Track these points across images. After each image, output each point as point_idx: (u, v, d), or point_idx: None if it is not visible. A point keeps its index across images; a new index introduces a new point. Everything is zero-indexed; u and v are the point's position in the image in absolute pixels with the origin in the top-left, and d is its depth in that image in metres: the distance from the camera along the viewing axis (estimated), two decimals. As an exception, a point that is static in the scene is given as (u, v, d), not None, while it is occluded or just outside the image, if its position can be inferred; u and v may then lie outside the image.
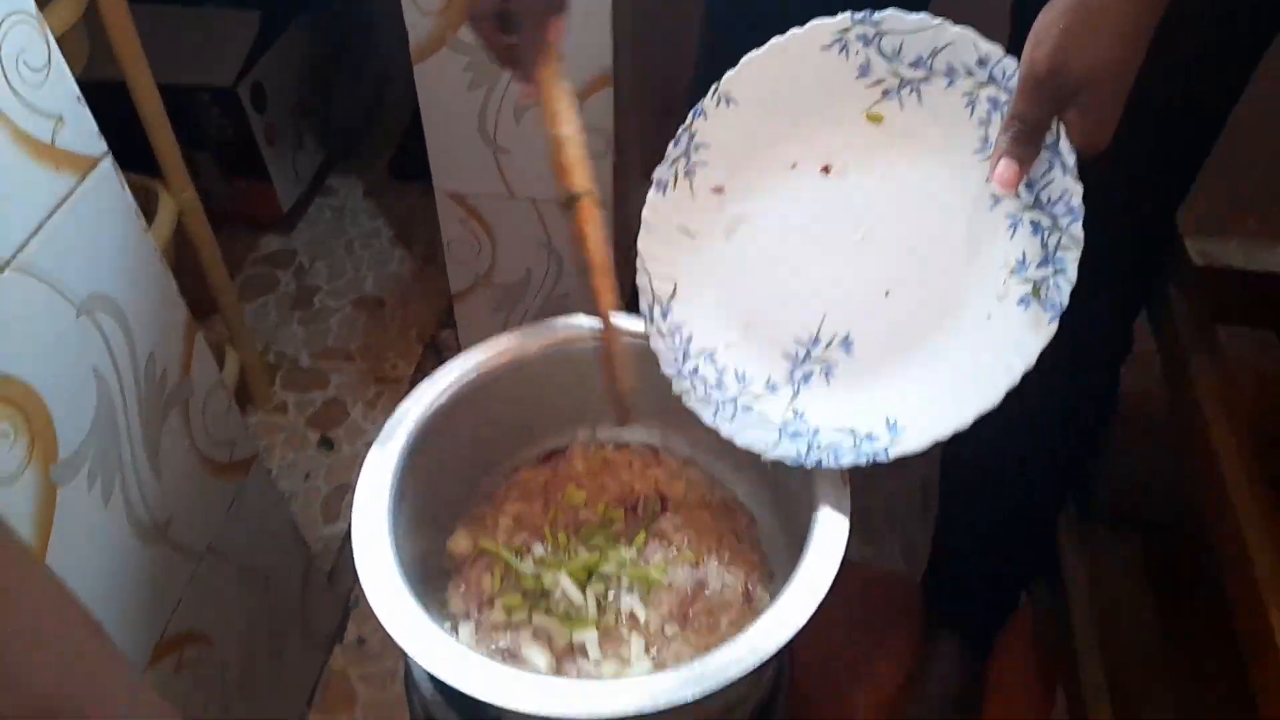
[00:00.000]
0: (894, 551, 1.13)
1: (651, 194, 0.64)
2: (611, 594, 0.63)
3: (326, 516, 1.13)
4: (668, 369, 0.63)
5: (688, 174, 0.62)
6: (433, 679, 0.63)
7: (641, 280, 0.64)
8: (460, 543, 0.68)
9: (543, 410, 0.72)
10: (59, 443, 0.60)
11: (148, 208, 0.93)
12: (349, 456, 1.18)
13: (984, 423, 0.81)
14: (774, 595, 0.56)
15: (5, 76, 0.54)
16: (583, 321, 0.69)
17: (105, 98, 0.69)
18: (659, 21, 1.27)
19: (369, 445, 1.23)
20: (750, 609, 0.64)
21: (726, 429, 0.60)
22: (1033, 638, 1.02)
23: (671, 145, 0.63)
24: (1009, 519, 0.87)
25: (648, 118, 1.50)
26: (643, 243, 0.64)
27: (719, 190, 0.63)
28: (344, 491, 1.15)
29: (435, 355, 1.31)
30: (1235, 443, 0.67)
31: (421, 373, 1.28)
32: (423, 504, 0.64)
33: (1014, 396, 0.76)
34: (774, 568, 0.68)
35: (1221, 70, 0.63)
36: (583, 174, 0.61)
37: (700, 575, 0.64)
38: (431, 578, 0.66)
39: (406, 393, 0.65)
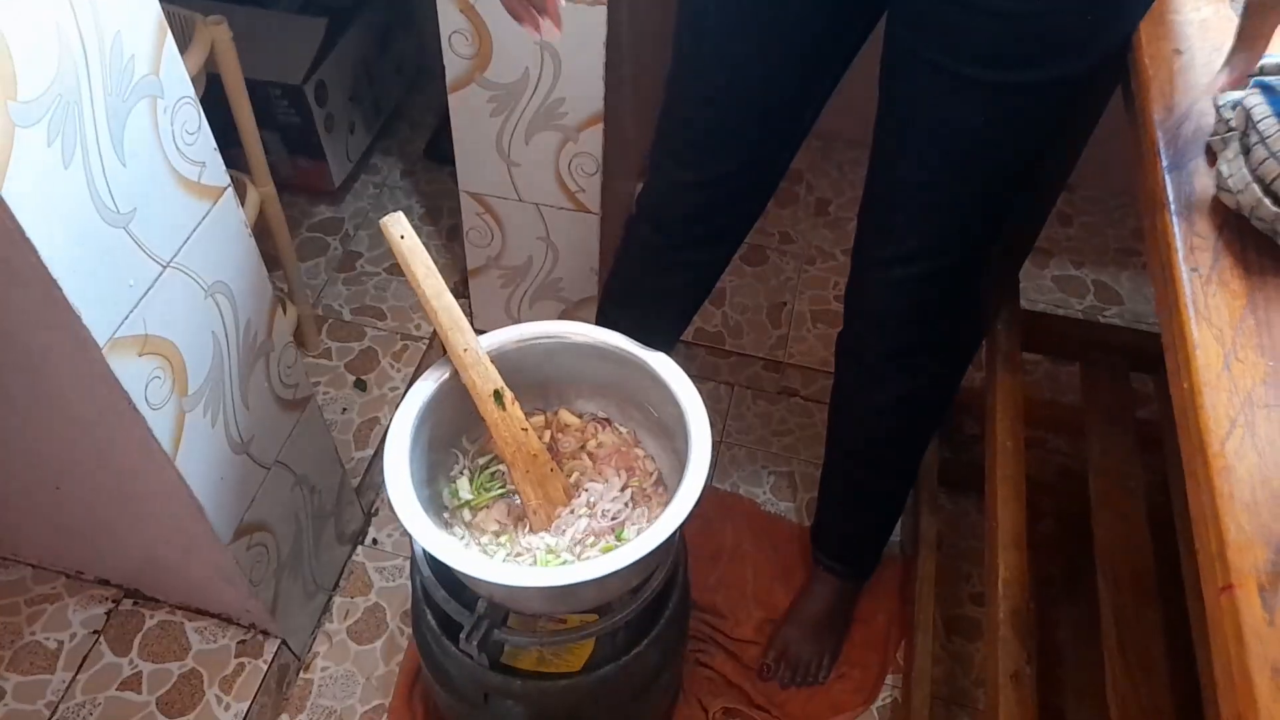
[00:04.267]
0: (803, 508, 1.42)
1: None
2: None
3: (358, 443, 1.42)
4: None
5: None
6: (429, 560, 0.92)
7: None
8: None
9: (516, 386, 1.00)
10: (189, 382, 0.89)
11: (239, 195, 1.20)
12: (377, 397, 1.47)
13: (866, 393, 1.09)
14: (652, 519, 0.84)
15: (174, 139, 0.81)
16: (551, 327, 0.96)
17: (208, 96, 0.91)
18: (650, 53, 1.52)
19: (394, 389, 1.54)
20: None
21: None
22: (898, 584, 1.31)
23: None
24: (877, 476, 1.15)
25: (643, 140, 1.76)
26: None
27: None
28: (373, 424, 1.44)
29: (452, 318, 1.59)
30: (1009, 427, 0.94)
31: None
32: (428, 442, 0.93)
33: (892, 371, 1.04)
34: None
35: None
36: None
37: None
38: (433, 489, 0.95)
39: (426, 349, 0.90)
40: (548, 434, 1.00)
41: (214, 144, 0.87)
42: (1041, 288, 1.64)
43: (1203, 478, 0.53)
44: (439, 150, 1.81)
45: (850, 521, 1.21)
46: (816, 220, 1.72)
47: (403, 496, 0.82)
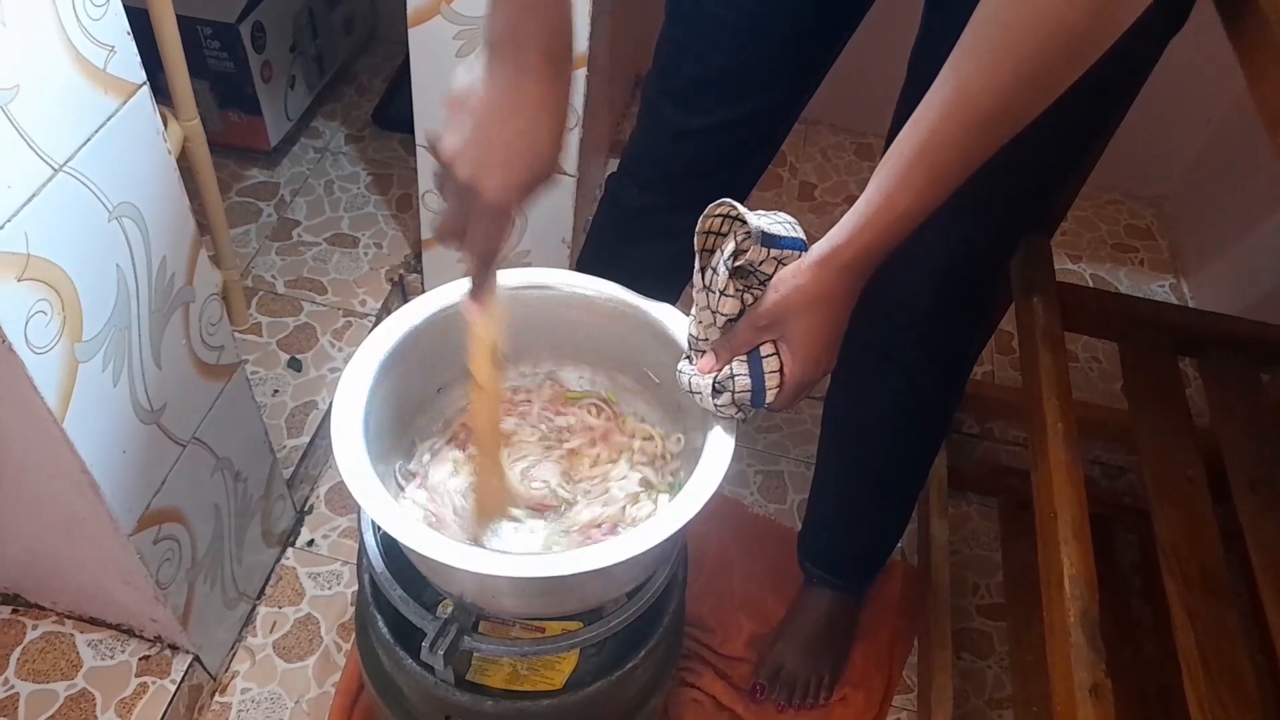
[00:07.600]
0: (794, 510, 1.28)
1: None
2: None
3: (290, 430, 1.23)
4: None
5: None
6: (383, 549, 0.75)
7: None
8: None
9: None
10: (84, 325, 0.71)
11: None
12: (314, 379, 1.28)
13: (863, 389, 0.94)
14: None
15: (74, 9, 0.64)
16: (525, 276, 0.81)
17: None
18: (634, 5, 1.38)
19: (335, 370, 1.36)
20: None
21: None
22: (901, 592, 1.17)
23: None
24: (873, 485, 1.00)
25: (615, 94, 1.61)
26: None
27: None
28: (308, 408, 1.26)
29: (401, 295, 1.42)
30: (1058, 408, 0.82)
31: (387, 311, 1.39)
32: (385, 411, 0.76)
33: (889, 365, 0.90)
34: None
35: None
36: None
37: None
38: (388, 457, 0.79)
39: (372, 327, 0.75)
40: (534, 409, 0.84)
41: (126, 25, 0.70)
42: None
43: None
44: (389, 116, 1.64)
45: (848, 533, 1.06)
46: (801, 205, 1.60)
47: (353, 455, 0.66)
